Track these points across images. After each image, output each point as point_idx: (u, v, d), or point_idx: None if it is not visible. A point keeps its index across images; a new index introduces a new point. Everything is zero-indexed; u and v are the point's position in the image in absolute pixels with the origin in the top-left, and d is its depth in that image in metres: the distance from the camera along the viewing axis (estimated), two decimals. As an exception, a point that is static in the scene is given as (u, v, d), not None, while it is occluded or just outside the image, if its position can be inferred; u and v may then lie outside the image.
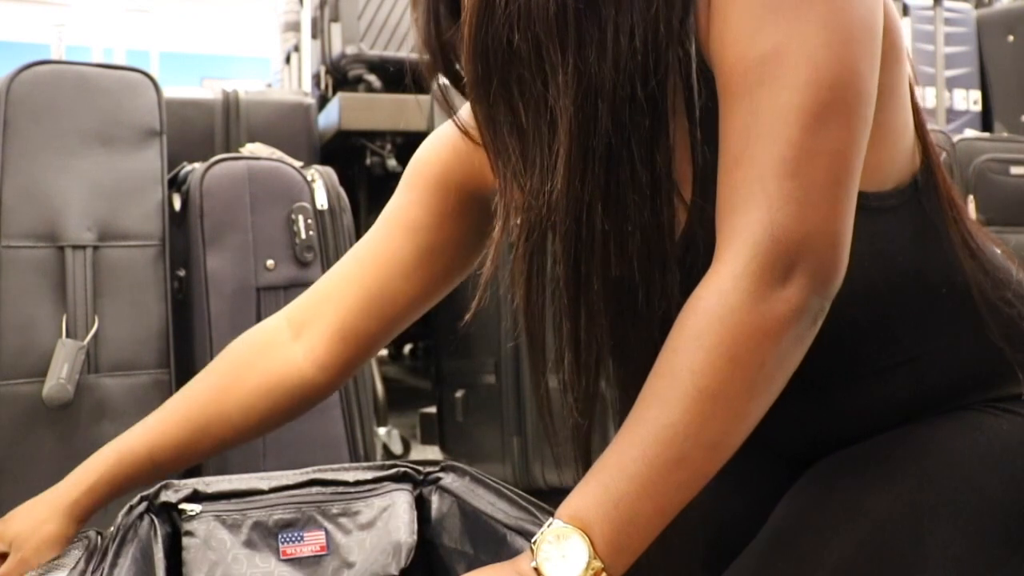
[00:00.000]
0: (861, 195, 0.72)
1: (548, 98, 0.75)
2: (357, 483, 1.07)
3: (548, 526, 0.68)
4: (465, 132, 0.89)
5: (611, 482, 0.68)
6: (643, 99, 0.73)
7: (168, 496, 0.98)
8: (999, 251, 0.87)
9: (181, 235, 1.83)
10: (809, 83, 0.68)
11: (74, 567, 0.87)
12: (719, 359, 0.67)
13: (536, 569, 0.67)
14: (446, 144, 0.96)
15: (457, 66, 0.83)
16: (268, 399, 0.96)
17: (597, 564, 0.66)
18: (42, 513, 0.91)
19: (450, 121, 0.91)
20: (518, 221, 0.81)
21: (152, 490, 0.97)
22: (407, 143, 2.83)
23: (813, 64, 0.68)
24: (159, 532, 0.93)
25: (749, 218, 0.68)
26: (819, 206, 0.68)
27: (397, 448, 2.60)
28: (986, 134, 3.05)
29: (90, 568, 0.85)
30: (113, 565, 0.83)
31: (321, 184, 1.89)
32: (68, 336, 1.62)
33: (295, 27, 3.59)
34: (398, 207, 0.98)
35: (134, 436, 0.95)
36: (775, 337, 0.67)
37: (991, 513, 0.77)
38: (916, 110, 0.83)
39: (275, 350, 0.97)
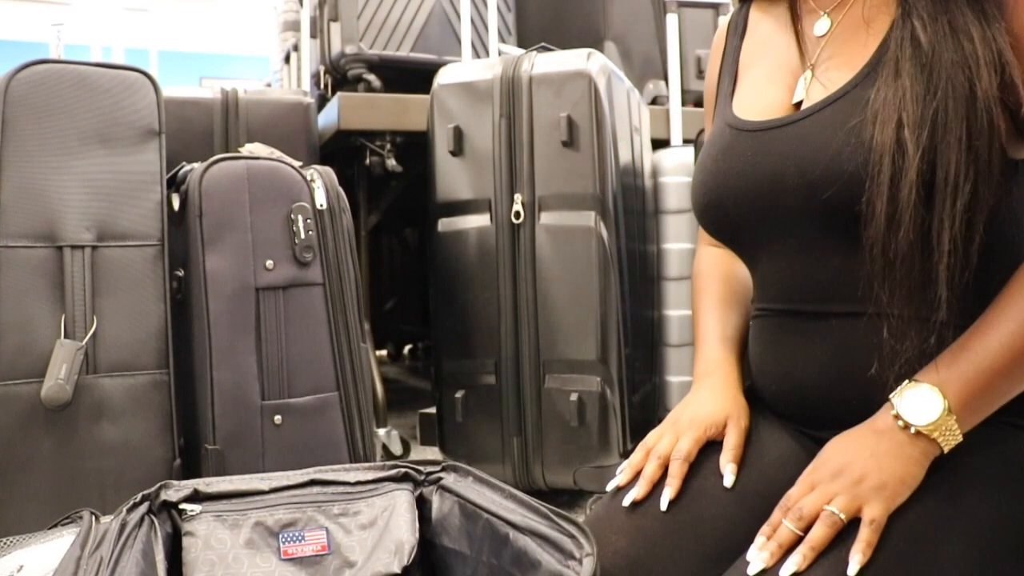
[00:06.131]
0: None
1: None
2: (358, 483, 1.07)
3: (907, 384, 0.80)
4: None
5: (974, 356, 0.80)
6: None
7: (168, 496, 0.98)
8: None
9: (180, 235, 1.83)
10: None
11: (70, 547, 0.86)
12: None
13: (896, 416, 0.79)
14: None
15: None
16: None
17: (951, 418, 0.78)
18: (728, 396, 1.02)
19: None
20: None
21: (152, 489, 0.97)
22: (407, 143, 2.82)
23: None
24: (159, 532, 0.92)
25: None
26: None
27: (397, 449, 2.60)
28: (986, 134, 3.04)
29: (85, 553, 0.85)
30: (115, 565, 0.83)
31: (321, 184, 1.88)
32: (67, 336, 1.62)
33: (295, 26, 3.59)
34: None
35: (717, 326, 1.08)
36: None
37: (1006, 529, 0.78)
38: None
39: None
